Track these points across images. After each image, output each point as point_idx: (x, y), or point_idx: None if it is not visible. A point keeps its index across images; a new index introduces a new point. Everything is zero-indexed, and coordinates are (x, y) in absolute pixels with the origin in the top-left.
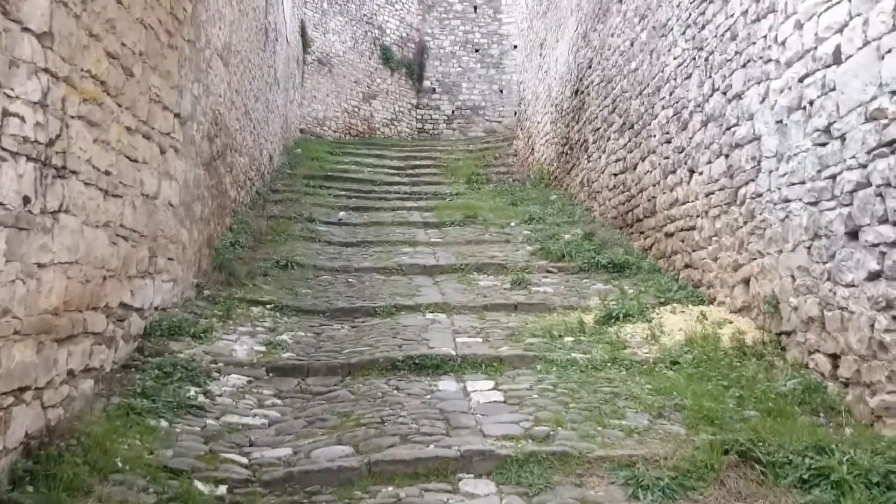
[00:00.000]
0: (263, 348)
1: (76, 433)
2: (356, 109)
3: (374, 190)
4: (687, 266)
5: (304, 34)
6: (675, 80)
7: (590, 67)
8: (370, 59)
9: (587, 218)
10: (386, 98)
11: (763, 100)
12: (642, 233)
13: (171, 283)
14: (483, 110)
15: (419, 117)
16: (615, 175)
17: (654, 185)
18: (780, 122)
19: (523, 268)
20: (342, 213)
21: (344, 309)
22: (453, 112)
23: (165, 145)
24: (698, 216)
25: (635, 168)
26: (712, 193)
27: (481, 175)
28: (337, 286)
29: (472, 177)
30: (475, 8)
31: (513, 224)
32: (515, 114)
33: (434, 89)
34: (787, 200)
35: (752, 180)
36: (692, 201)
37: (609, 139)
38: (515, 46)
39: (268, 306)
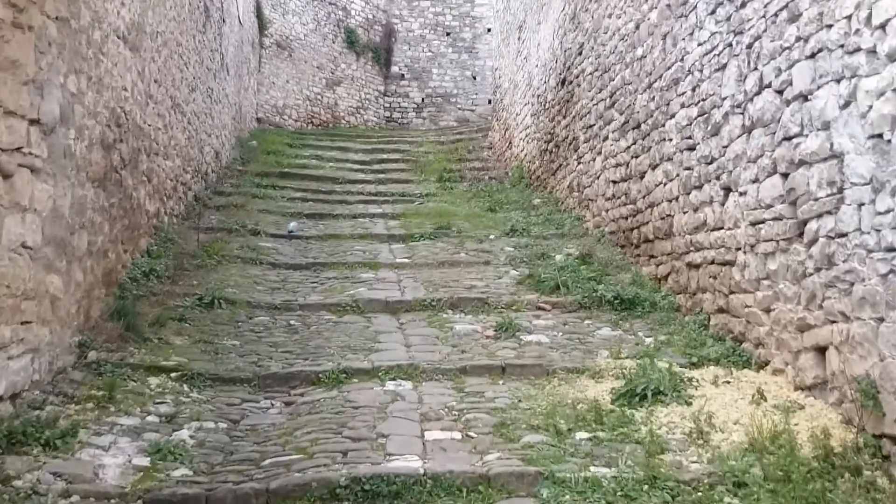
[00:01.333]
0: (147, 460)
1: None
2: (319, 97)
3: (334, 190)
4: (721, 310)
5: (259, 15)
6: (700, 71)
7: (580, 54)
8: (334, 42)
9: (579, 230)
10: (351, 85)
11: (846, 105)
12: (653, 257)
13: (26, 358)
14: (455, 98)
15: (387, 105)
16: (615, 182)
17: (669, 201)
18: (878, 136)
19: (509, 303)
20: (293, 224)
21: (277, 375)
22: (423, 100)
23: (11, 166)
24: (739, 249)
25: (642, 177)
26: (762, 223)
27: (454, 172)
28: (275, 333)
29: (445, 174)
30: None
31: (492, 237)
32: (490, 102)
33: (403, 75)
34: (894, 249)
35: (830, 213)
36: (729, 228)
37: (606, 139)
38: (489, 30)
39: (172, 375)
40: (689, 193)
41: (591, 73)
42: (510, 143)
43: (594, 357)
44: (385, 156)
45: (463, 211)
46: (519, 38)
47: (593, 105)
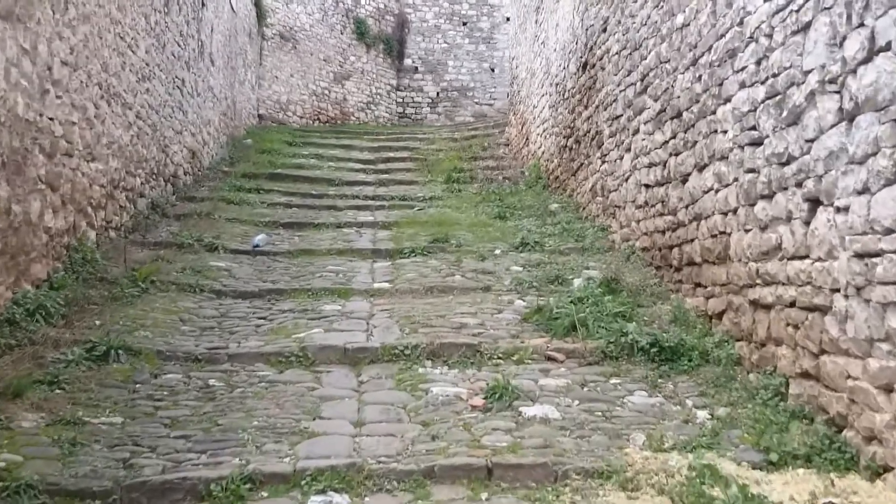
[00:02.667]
0: None
1: None
2: (326, 92)
3: (326, 194)
4: (807, 375)
5: (258, 2)
6: (768, 37)
7: (605, 31)
8: (342, 33)
9: (603, 243)
10: (361, 79)
11: None
12: (701, 286)
13: None
14: (472, 92)
15: (400, 100)
16: (647, 187)
17: (724, 214)
18: None
19: (509, 352)
20: (261, 237)
21: (149, 486)
22: (438, 94)
23: None
24: (837, 291)
25: (685, 181)
26: (877, 255)
27: (465, 171)
28: (181, 402)
29: (454, 174)
30: None
31: (498, 252)
32: (508, 95)
33: (416, 68)
34: None
35: None
36: (819, 259)
37: (636, 132)
38: (508, 18)
39: None
40: (753, 205)
41: (617, 53)
42: (527, 139)
43: (624, 446)
44: (392, 154)
45: (468, 218)
46: (536, 21)
47: (620, 91)
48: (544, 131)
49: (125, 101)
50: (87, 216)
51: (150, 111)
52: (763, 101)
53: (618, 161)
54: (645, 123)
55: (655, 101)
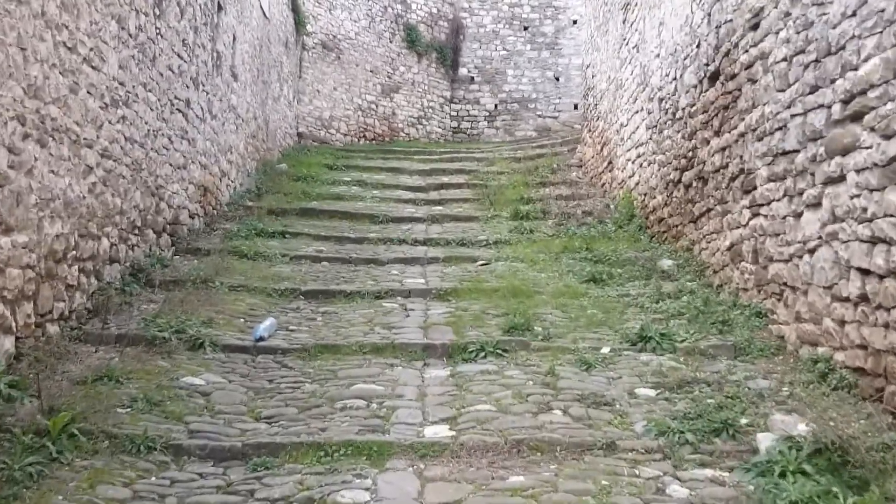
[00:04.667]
0: None
1: None
2: (373, 106)
3: (367, 237)
4: None
5: (296, 8)
6: None
7: (755, 27)
8: (391, 41)
9: (765, 341)
10: (412, 91)
11: None
12: None
13: None
14: (534, 103)
15: (454, 114)
16: (866, 273)
17: None
18: None
19: None
20: (268, 324)
21: None
22: (496, 106)
23: None
24: None
25: None
26: None
27: (534, 202)
28: None
29: (521, 206)
30: None
31: (607, 352)
32: (577, 108)
33: (472, 78)
34: None
35: None
36: None
37: (837, 181)
38: (575, 21)
39: None
40: None
41: (784, 60)
42: (610, 163)
43: None
44: (446, 179)
45: (550, 282)
46: (625, 21)
47: (794, 116)
48: (639, 156)
49: (78, 138)
50: None
51: (130, 145)
52: None
53: (790, 219)
54: (858, 172)
55: (883, 137)
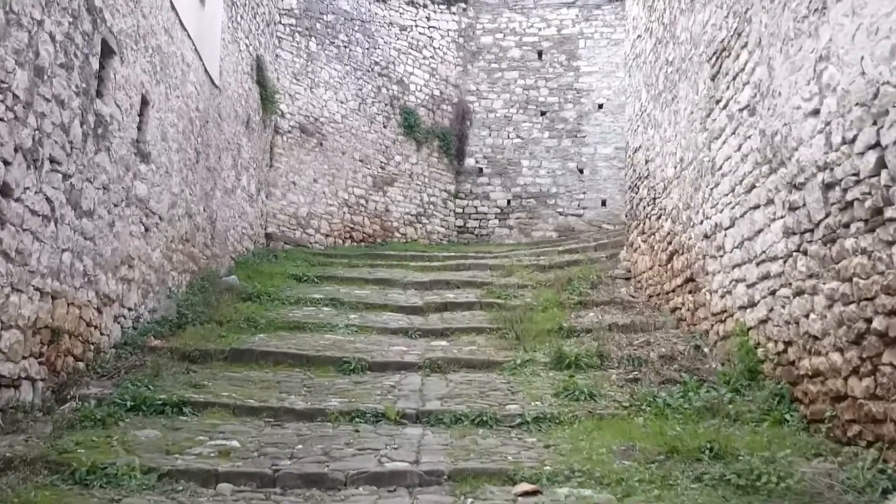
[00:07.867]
0: None
1: None
2: (362, 201)
3: (324, 410)
4: None
5: (262, 80)
6: None
7: None
8: (385, 126)
9: None
10: (409, 184)
11: None
12: None
13: None
14: (554, 199)
15: (459, 210)
16: None
17: None
18: None
19: None
20: None
21: None
22: (509, 202)
23: None
24: None
25: None
26: None
27: (580, 335)
28: None
29: (564, 345)
30: (539, 54)
31: None
32: (605, 203)
33: (481, 170)
34: None
35: None
36: None
37: None
38: (601, 105)
39: None
40: None
41: None
42: (691, 281)
43: None
44: (451, 296)
45: None
46: (715, 77)
47: None
48: (767, 278)
49: None
50: None
51: None
52: None
53: None
54: None
55: None
